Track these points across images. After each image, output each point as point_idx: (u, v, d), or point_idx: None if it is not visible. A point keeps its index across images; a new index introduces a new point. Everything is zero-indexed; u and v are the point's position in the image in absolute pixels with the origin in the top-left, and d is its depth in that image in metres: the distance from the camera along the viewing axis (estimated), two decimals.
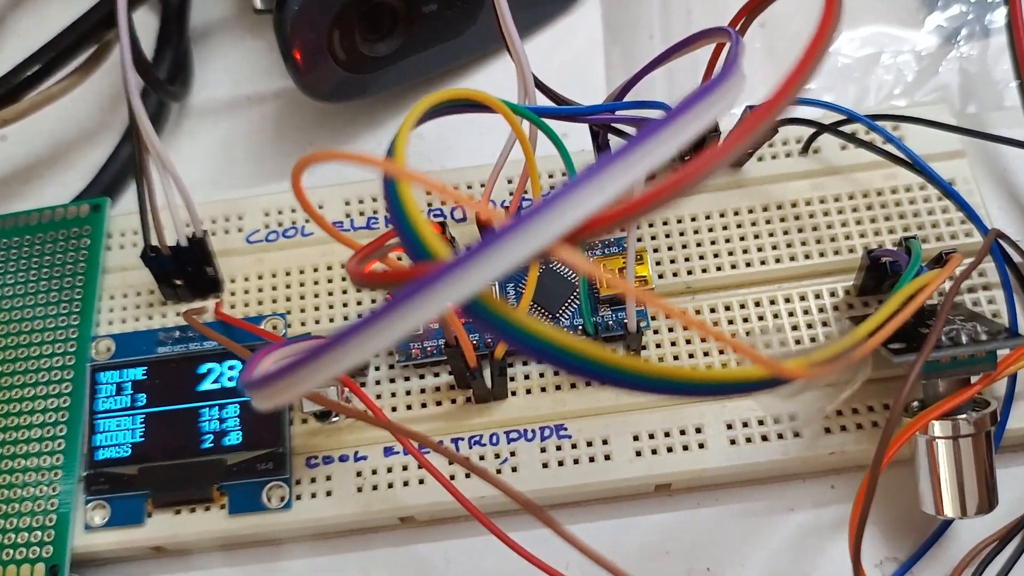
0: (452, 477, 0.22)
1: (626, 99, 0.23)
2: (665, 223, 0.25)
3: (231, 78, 0.31)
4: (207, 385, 0.23)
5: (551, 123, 0.21)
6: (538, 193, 0.21)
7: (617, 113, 0.22)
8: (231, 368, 0.24)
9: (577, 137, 0.26)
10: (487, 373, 0.23)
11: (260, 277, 0.25)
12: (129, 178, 0.29)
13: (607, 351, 0.13)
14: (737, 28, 0.20)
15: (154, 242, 0.24)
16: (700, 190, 0.25)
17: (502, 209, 0.25)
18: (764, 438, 0.22)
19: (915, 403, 0.21)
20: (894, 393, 0.22)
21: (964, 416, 0.20)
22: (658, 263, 0.25)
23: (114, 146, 0.30)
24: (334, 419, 0.22)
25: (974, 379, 0.20)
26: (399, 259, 0.21)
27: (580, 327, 0.23)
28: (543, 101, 0.23)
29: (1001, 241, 0.23)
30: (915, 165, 0.23)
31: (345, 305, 0.25)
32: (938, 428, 0.20)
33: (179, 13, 0.30)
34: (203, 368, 0.24)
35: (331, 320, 0.25)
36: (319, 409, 0.22)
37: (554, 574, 0.20)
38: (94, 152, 0.30)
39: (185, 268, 0.24)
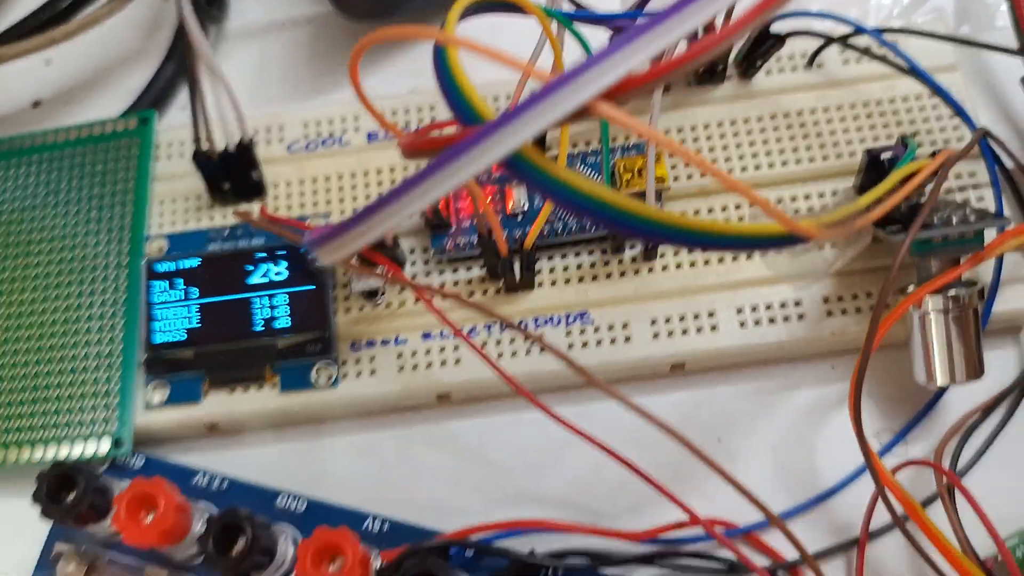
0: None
1: (647, 10, 0.25)
2: (680, 130, 0.27)
3: (264, 4, 0.32)
4: (256, 279, 0.25)
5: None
6: None
7: (640, 21, 0.24)
8: (278, 263, 0.25)
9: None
10: (516, 266, 0.25)
11: (301, 183, 0.27)
12: (172, 98, 0.31)
13: (643, 204, 0.15)
14: None
15: (204, 147, 0.26)
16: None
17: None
18: (771, 321, 0.24)
19: (910, 286, 0.23)
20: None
21: (954, 292, 0.22)
22: (673, 167, 0.26)
23: (153, 70, 0.31)
24: (380, 299, 0.24)
25: (964, 259, 0.22)
26: None
27: None
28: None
29: (990, 141, 0.25)
30: (913, 71, 0.25)
31: None
32: (930, 303, 0.22)
33: None
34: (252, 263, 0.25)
35: None
36: (368, 288, 0.23)
37: (593, 441, 0.22)
38: (133, 76, 0.32)
39: (232, 172, 0.26)
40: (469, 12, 0.20)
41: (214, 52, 0.32)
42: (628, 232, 0.16)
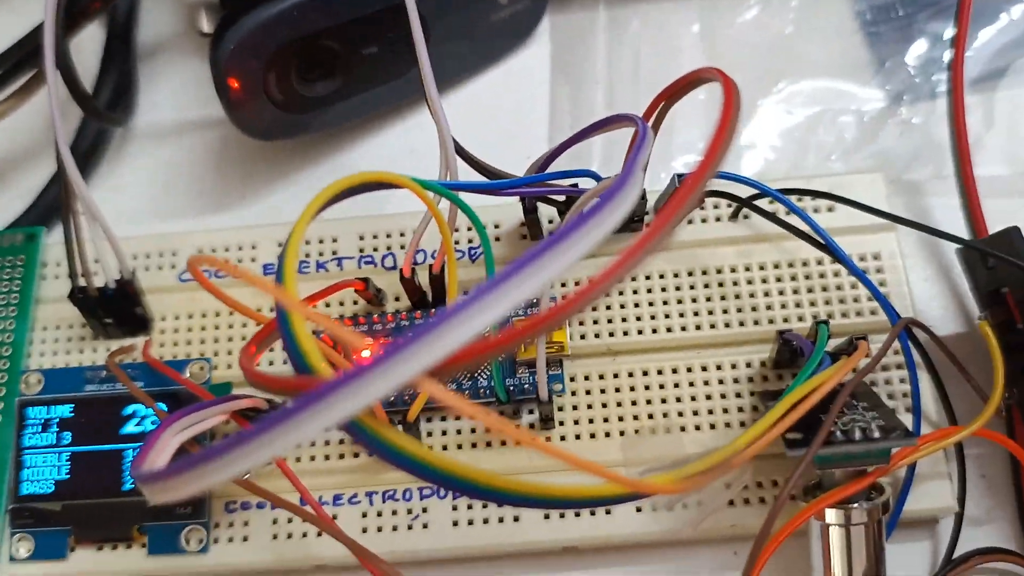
0: (364, 530, 0.23)
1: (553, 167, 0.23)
2: (579, 283, 0.25)
3: (176, 101, 0.30)
4: (131, 428, 0.24)
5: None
6: (453, 270, 0.21)
7: (535, 186, 0.22)
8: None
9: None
10: (399, 428, 0.23)
11: (190, 316, 0.26)
12: None
13: (474, 468, 0.13)
14: (650, 121, 0.21)
15: (81, 283, 0.24)
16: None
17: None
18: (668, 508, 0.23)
19: (814, 484, 0.22)
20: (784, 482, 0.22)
21: (856, 505, 0.21)
22: (580, 323, 0.25)
23: (56, 167, 0.29)
24: None
25: (869, 469, 0.21)
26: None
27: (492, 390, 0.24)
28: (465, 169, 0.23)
29: (914, 328, 0.23)
30: (826, 246, 0.23)
31: (272, 350, 0.25)
32: (831, 515, 0.21)
33: (125, 30, 0.30)
34: (128, 410, 0.24)
35: (256, 365, 0.25)
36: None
37: None
38: (36, 170, 0.30)
39: (113, 307, 0.25)
40: (333, 201, 0.19)
41: (120, 151, 0.30)
42: (465, 495, 0.15)
